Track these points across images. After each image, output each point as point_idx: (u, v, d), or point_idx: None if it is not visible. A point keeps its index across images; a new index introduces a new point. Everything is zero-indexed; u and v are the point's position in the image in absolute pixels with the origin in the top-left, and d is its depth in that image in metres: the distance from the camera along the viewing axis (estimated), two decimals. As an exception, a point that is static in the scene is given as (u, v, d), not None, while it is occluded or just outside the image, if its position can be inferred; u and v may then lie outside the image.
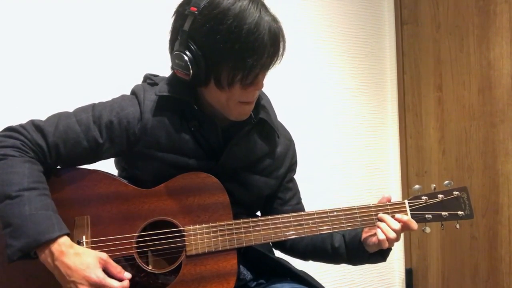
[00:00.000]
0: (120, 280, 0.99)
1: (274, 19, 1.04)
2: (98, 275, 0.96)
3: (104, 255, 1.00)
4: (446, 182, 1.19)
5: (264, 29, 1.00)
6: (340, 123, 2.37)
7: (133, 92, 1.15)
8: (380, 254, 1.18)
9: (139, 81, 1.22)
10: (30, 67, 1.68)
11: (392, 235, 1.11)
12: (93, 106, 1.12)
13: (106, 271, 0.99)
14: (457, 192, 1.18)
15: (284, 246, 1.31)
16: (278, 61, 1.07)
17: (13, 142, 1.03)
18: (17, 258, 0.94)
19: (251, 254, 1.19)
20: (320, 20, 2.31)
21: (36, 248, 0.96)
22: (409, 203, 1.18)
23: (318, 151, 2.29)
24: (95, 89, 1.72)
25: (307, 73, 2.27)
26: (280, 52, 1.06)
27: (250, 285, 1.23)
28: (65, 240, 0.97)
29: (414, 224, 1.14)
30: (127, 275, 1.01)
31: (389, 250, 1.18)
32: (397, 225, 1.12)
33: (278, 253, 1.32)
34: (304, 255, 1.30)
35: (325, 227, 1.13)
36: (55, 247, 0.96)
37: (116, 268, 1.00)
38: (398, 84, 2.51)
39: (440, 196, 1.18)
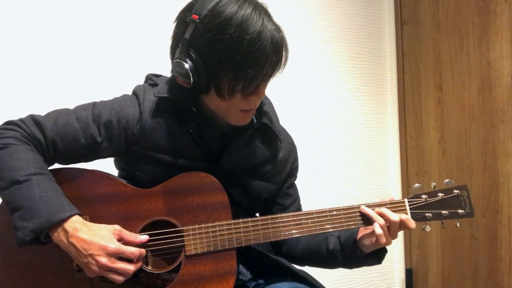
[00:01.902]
0: (138, 244, 1.01)
1: (277, 28, 1.03)
2: (115, 244, 0.98)
3: (117, 226, 1.02)
4: (446, 180, 1.19)
5: (267, 39, 0.99)
6: (340, 123, 2.37)
7: (134, 93, 1.15)
8: (375, 256, 1.17)
9: (142, 81, 1.22)
10: (33, 68, 1.68)
11: (391, 229, 1.10)
12: (94, 104, 1.12)
13: (121, 241, 1.00)
14: (457, 191, 1.18)
15: (280, 251, 1.30)
16: (281, 71, 1.06)
17: (13, 133, 1.05)
18: (29, 239, 0.95)
19: (251, 253, 1.18)
20: (320, 20, 2.31)
21: (49, 229, 0.97)
22: (409, 201, 1.17)
23: (318, 151, 2.29)
24: (97, 88, 1.72)
25: (307, 73, 2.27)
26: (283, 62, 1.05)
27: (249, 285, 1.23)
28: (77, 218, 0.99)
29: (411, 223, 1.13)
30: (144, 237, 1.04)
31: (384, 252, 1.18)
32: (396, 217, 1.11)
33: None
34: (301, 260, 1.29)
35: (325, 227, 1.13)
36: (68, 225, 0.97)
37: (131, 236, 1.02)
38: (398, 84, 2.51)
39: (440, 194, 1.18)
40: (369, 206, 1.15)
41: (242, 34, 0.97)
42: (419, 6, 2.39)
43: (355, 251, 1.17)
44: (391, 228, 1.11)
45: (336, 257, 1.20)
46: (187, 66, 1.01)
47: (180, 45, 1.03)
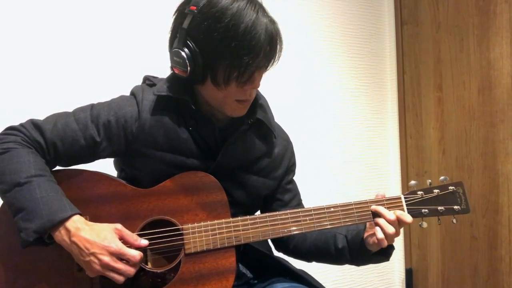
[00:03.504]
0: (137, 247, 1.02)
1: (272, 21, 1.06)
2: (117, 244, 0.99)
3: (118, 225, 1.03)
4: (442, 177, 1.20)
5: (261, 29, 1.02)
6: (340, 123, 2.37)
7: (132, 93, 1.17)
8: (383, 254, 1.18)
9: (139, 82, 1.23)
10: (31, 69, 1.69)
11: (391, 230, 1.11)
12: (92, 106, 1.13)
13: (123, 240, 1.01)
14: (453, 187, 1.19)
15: (287, 248, 1.31)
16: (275, 62, 1.08)
17: (14, 138, 1.06)
18: (33, 239, 0.96)
19: (251, 253, 1.19)
20: (320, 20, 2.32)
21: (51, 229, 0.98)
22: (405, 197, 1.18)
23: (318, 151, 2.30)
24: (96, 90, 1.73)
25: (307, 73, 2.28)
26: (277, 53, 1.07)
27: (250, 284, 1.24)
28: (79, 218, 1.00)
29: (407, 217, 1.13)
30: (144, 242, 1.04)
31: (391, 249, 1.18)
32: (393, 216, 1.12)
33: (280, 255, 1.32)
34: (307, 257, 1.30)
35: (323, 223, 1.13)
36: (70, 224, 0.98)
37: (132, 237, 1.03)
38: (398, 84, 2.51)
39: (436, 191, 1.19)
40: (366, 202, 1.16)
41: (238, 23, 1.00)
42: (419, 6, 2.39)
43: (362, 250, 1.18)
44: (392, 228, 1.12)
45: (344, 255, 1.21)
46: (184, 54, 1.04)
47: (178, 35, 1.06)
